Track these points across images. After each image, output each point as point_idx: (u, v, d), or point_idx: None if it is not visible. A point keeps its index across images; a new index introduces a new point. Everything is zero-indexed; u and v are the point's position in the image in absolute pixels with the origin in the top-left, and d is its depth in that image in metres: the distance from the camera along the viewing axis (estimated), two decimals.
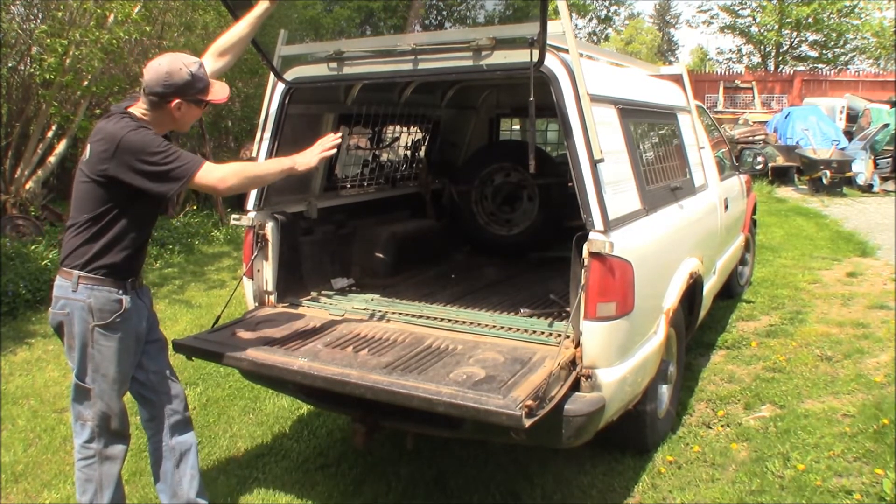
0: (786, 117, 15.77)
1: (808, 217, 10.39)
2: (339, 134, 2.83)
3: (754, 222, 6.55)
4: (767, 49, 28.40)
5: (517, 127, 6.13)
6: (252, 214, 3.41)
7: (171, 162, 2.40)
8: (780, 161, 13.99)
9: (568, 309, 2.99)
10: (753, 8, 27.98)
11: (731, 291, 5.74)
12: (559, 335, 2.96)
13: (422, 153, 5.15)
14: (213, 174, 2.45)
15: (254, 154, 3.53)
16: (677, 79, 4.42)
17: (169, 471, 2.73)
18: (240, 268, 6.91)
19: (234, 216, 3.49)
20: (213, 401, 4.18)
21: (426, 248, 4.67)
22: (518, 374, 2.58)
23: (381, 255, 4.24)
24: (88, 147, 2.48)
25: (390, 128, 4.75)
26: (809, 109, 16.05)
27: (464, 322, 3.26)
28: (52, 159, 8.93)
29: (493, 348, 2.87)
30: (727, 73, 26.89)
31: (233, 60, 2.86)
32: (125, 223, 2.45)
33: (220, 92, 2.60)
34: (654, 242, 3.14)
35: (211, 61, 2.78)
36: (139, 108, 2.51)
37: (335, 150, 2.73)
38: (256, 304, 3.45)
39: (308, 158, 2.66)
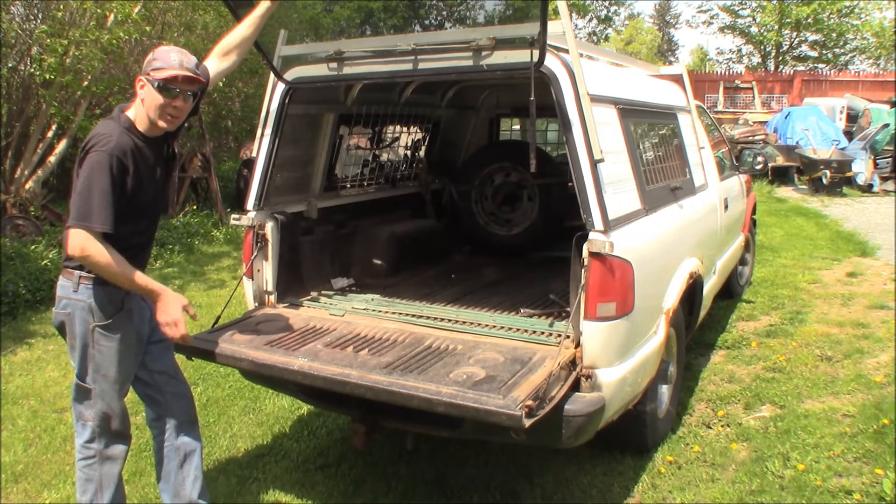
0: (786, 117, 15.77)
1: (808, 217, 10.39)
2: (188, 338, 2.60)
3: (754, 222, 6.56)
4: (767, 49, 28.41)
5: (517, 127, 6.13)
6: (252, 214, 3.41)
7: (86, 200, 2.31)
8: (780, 161, 14.00)
9: (568, 309, 2.99)
10: (753, 8, 28.01)
11: (731, 291, 5.74)
12: (559, 335, 2.96)
13: (422, 153, 5.15)
14: (79, 241, 2.31)
15: (254, 154, 3.53)
16: (677, 79, 4.42)
17: (172, 471, 2.73)
18: (240, 268, 6.92)
19: (234, 216, 3.49)
20: (213, 401, 4.18)
21: (426, 248, 4.67)
22: (518, 374, 2.58)
23: (381, 255, 4.24)
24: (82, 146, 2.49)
25: (390, 128, 4.75)
26: (809, 109, 16.05)
27: (464, 322, 3.26)
28: (52, 159, 8.94)
29: (493, 348, 2.87)
30: (727, 73, 26.91)
31: (238, 61, 2.86)
32: (123, 223, 2.44)
33: (167, 71, 2.40)
34: (654, 242, 3.14)
35: (216, 62, 2.78)
36: (133, 108, 2.51)
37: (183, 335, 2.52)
38: (256, 304, 3.45)
39: (162, 316, 2.46)
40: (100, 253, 2.34)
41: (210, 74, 2.74)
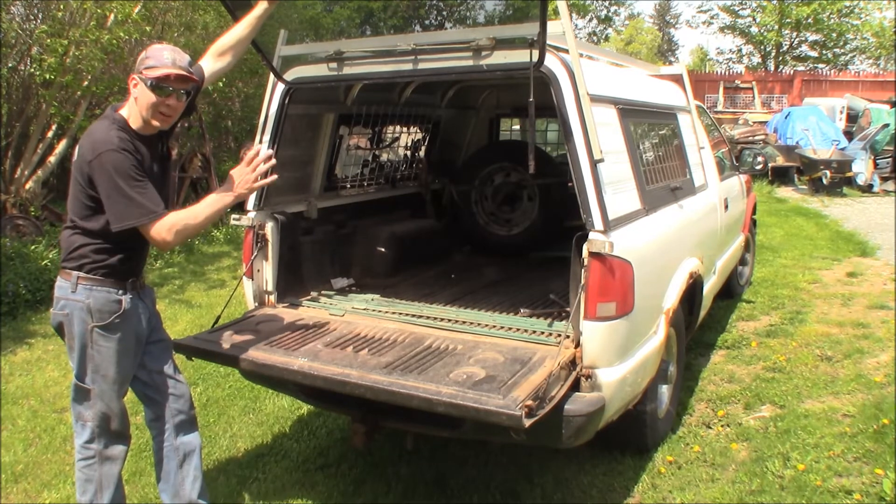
0: (786, 117, 15.77)
1: (808, 217, 10.39)
2: (269, 152, 2.63)
3: (754, 222, 6.55)
4: (767, 49, 28.41)
5: (517, 127, 6.13)
6: (252, 214, 3.41)
7: (129, 200, 2.35)
8: (780, 161, 14.00)
9: (568, 309, 2.99)
10: (753, 8, 28.01)
11: (731, 291, 5.74)
12: (559, 335, 2.96)
13: (422, 153, 5.15)
14: (161, 234, 2.41)
15: None
16: (677, 79, 4.42)
17: (172, 471, 2.73)
18: (240, 268, 6.92)
19: (234, 216, 3.49)
20: (213, 401, 4.18)
21: (426, 248, 4.67)
22: (518, 374, 2.58)
23: (381, 255, 4.25)
24: (77, 148, 2.48)
25: (390, 128, 4.75)
26: (809, 109, 16.05)
27: (464, 322, 3.26)
28: (52, 159, 8.94)
29: (493, 348, 2.87)
30: (727, 73, 26.90)
31: (233, 61, 2.86)
32: None
33: (162, 70, 2.41)
34: (654, 242, 3.14)
35: (211, 62, 2.78)
36: (126, 107, 2.51)
37: (271, 175, 2.58)
38: (256, 304, 3.45)
39: (246, 187, 2.54)
40: (175, 231, 2.42)
41: (205, 74, 2.74)
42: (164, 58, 2.44)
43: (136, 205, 2.36)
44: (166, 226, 2.41)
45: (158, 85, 2.42)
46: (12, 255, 6.47)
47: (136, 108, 2.48)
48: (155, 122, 2.49)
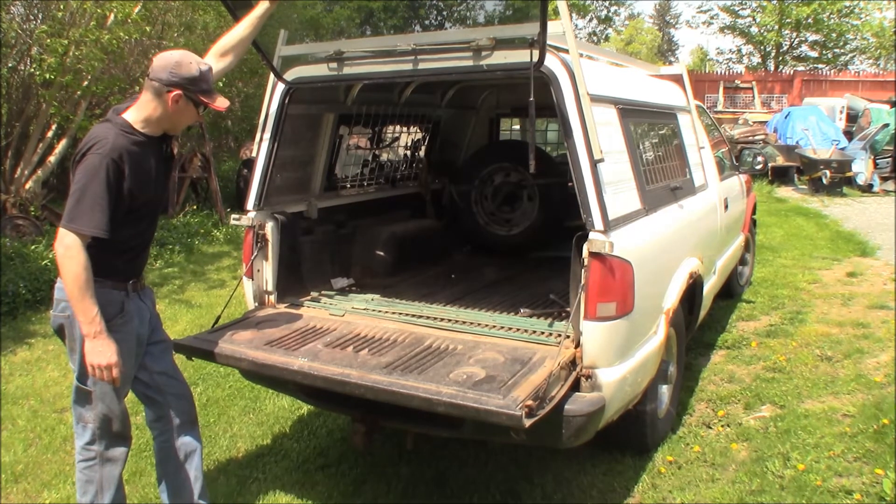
0: (786, 117, 15.77)
1: (808, 217, 10.38)
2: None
3: (754, 222, 6.56)
4: (767, 49, 28.41)
5: (517, 127, 6.13)
6: (252, 214, 3.41)
7: (82, 201, 2.30)
8: (780, 161, 14.00)
9: (568, 309, 2.99)
10: (753, 8, 28.01)
11: (731, 291, 5.74)
12: (559, 335, 2.96)
13: (422, 153, 5.15)
14: (63, 243, 2.29)
15: (254, 154, 3.53)
16: (677, 79, 4.42)
17: (172, 471, 2.73)
18: (240, 268, 6.92)
19: (234, 216, 3.49)
20: (213, 401, 4.18)
21: (426, 248, 4.68)
22: (518, 374, 2.58)
23: (381, 255, 4.25)
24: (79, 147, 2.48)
25: (390, 128, 4.75)
26: (809, 109, 16.05)
27: (464, 322, 3.26)
28: (52, 159, 8.94)
29: (493, 348, 2.87)
30: (727, 73, 26.90)
31: (235, 61, 2.86)
32: (122, 226, 2.43)
33: (220, 101, 2.56)
34: (654, 242, 3.14)
35: (213, 62, 2.78)
36: (135, 109, 2.50)
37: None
38: (256, 304, 3.45)
39: (98, 353, 2.35)
40: (75, 259, 2.29)
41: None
42: (210, 81, 2.53)
43: (76, 209, 2.30)
44: (75, 245, 2.29)
45: (206, 106, 2.54)
46: (12, 255, 6.48)
47: (154, 114, 2.48)
48: (177, 132, 2.64)
